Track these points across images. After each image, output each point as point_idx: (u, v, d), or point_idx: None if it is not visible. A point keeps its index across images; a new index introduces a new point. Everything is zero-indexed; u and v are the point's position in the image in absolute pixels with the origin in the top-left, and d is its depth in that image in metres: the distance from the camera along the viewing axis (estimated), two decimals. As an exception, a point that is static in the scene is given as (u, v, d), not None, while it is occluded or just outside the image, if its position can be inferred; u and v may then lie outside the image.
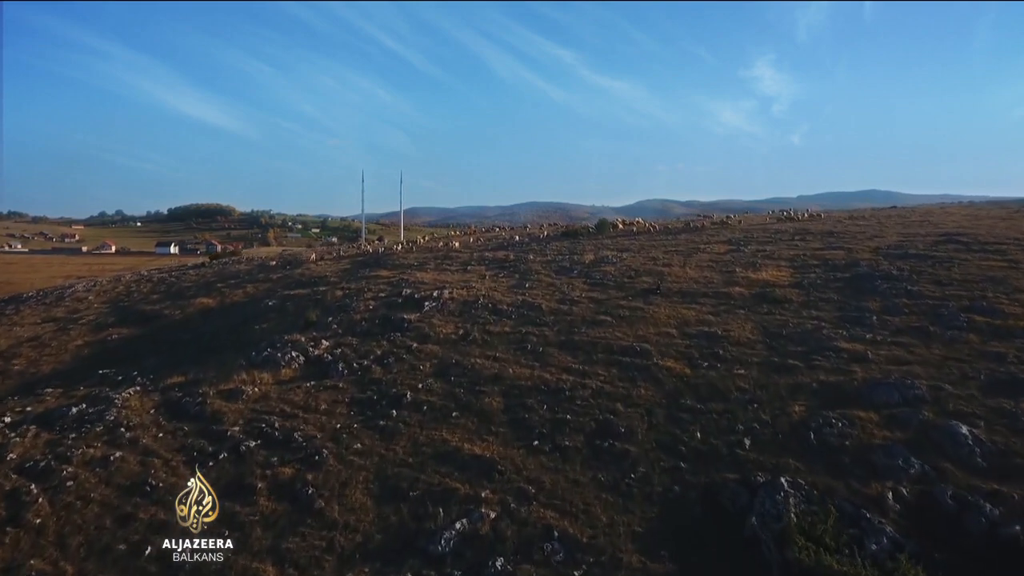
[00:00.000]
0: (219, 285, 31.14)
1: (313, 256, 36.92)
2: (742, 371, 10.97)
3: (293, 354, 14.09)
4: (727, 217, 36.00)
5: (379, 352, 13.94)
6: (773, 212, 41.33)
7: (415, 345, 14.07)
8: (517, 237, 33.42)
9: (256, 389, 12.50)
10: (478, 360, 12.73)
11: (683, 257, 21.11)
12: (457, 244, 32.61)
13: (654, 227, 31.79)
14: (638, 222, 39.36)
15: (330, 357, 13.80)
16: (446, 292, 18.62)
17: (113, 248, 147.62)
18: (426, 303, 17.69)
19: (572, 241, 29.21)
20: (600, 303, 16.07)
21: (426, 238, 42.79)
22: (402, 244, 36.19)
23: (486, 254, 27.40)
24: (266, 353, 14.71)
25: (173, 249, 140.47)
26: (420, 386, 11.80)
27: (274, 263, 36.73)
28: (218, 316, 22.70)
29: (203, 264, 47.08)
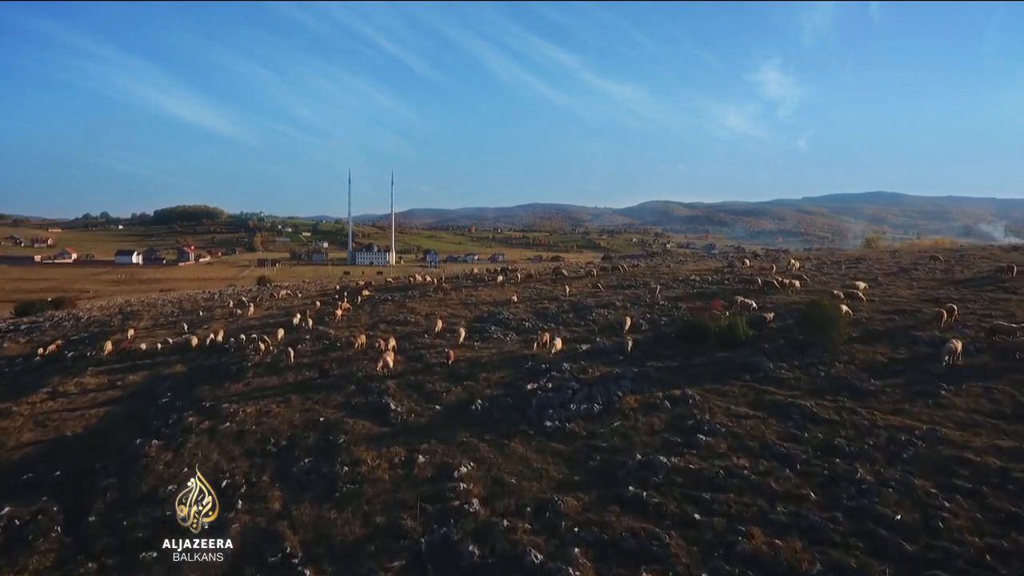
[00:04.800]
0: None
1: (131, 334, 18.31)
2: None
3: None
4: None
5: None
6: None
7: None
8: (547, 335, 13.76)
9: None
10: None
11: None
12: (391, 353, 13.26)
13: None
14: (798, 279, 18.20)
15: None
16: None
17: (73, 256, 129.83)
18: None
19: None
20: None
21: (369, 291, 23.29)
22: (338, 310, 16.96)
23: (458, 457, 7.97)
24: None
25: (135, 259, 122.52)
26: None
27: (62, 342, 17.95)
28: None
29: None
